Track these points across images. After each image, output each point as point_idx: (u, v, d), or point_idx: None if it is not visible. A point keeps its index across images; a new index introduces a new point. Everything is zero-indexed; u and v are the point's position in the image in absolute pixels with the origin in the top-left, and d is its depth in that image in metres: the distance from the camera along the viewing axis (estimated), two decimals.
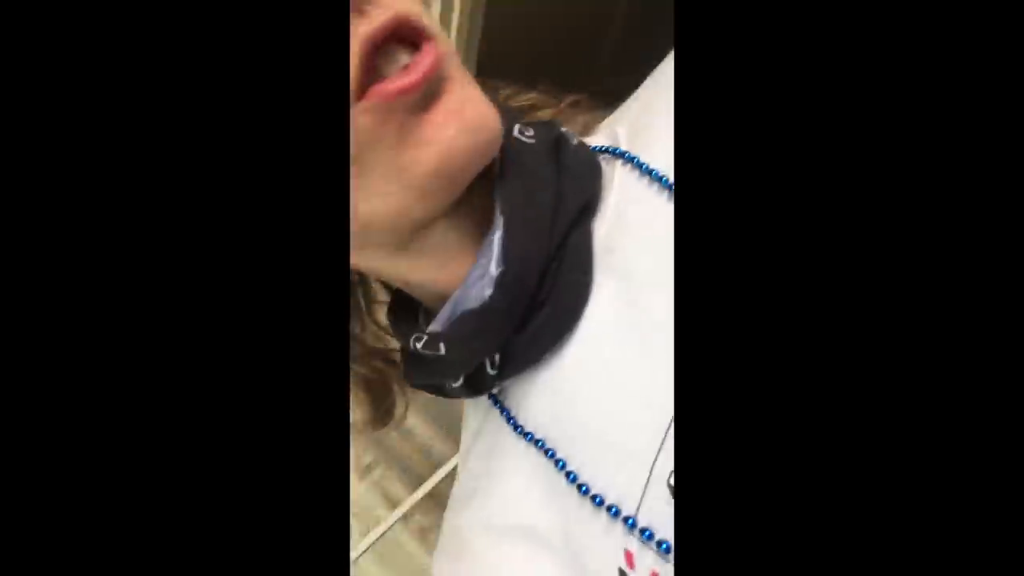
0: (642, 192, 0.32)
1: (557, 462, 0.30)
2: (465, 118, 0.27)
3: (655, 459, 0.27)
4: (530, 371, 0.33)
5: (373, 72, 0.26)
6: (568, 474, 0.30)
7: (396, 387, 0.42)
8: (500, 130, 0.29)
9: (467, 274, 0.31)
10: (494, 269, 0.30)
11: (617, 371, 0.30)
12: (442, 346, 0.31)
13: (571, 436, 0.30)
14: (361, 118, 0.26)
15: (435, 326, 0.32)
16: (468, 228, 0.32)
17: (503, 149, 0.31)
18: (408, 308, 0.37)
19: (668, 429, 0.27)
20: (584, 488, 0.29)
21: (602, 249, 0.32)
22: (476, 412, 0.37)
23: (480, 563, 0.33)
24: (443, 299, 0.33)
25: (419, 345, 0.32)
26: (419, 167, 0.27)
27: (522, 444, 0.32)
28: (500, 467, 0.33)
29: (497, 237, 0.30)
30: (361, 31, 0.25)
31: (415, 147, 0.27)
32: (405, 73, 0.26)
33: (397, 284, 0.36)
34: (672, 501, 0.26)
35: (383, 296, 0.42)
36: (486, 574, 0.32)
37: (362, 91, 0.26)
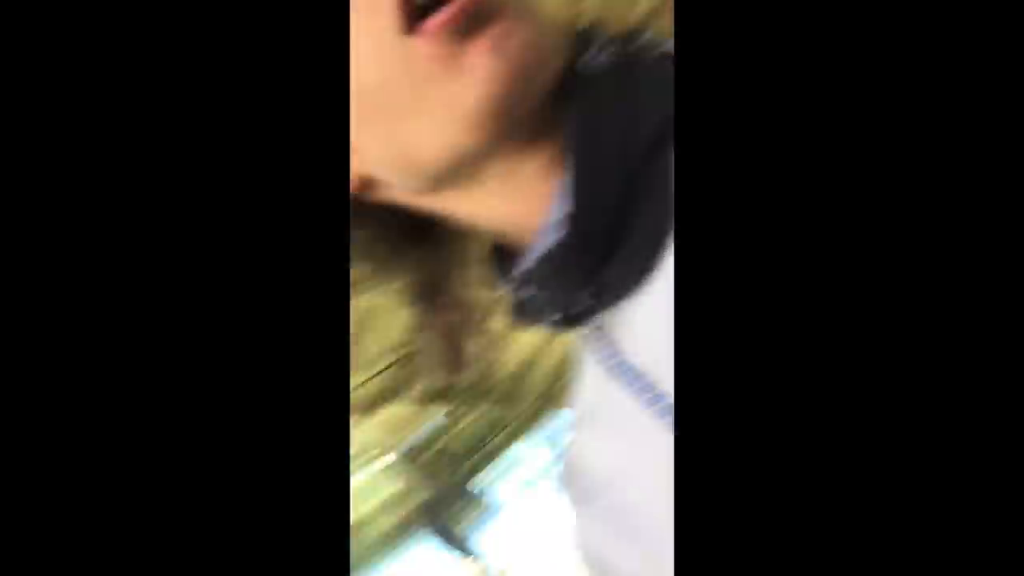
0: None
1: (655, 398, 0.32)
2: (507, 47, 0.28)
3: None
4: (628, 301, 0.33)
5: (412, 8, 0.28)
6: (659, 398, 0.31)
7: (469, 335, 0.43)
8: (547, 62, 0.30)
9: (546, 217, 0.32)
10: (566, 210, 0.31)
11: None
12: (533, 285, 0.33)
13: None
14: (408, 55, 0.28)
15: (526, 265, 0.34)
16: (539, 167, 0.32)
17: (570, 83, 0.31)
18: (506, 258, 0.37)
19: None
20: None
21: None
22: (588, 388, 0.39)
23: None
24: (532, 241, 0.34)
25: (513, 287, 0.35)
26: (463, 98, 0.28)
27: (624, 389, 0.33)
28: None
29: (567, 179, 0.31)
30: None
31: (459, 78, 0.28)
32: (445, 7, 0.27)
33: (487, 230, 0.37)
34: None
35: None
36: None
37: (409, 28, 0.28)
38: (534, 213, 0.33)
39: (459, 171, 0.32)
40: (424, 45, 0.28)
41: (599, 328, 0.36)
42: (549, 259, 0.32)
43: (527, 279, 0.34)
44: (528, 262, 0.33)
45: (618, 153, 0.31)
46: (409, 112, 0.30)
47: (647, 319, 0.32)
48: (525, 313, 0.36)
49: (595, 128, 0.31)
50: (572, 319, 0.35)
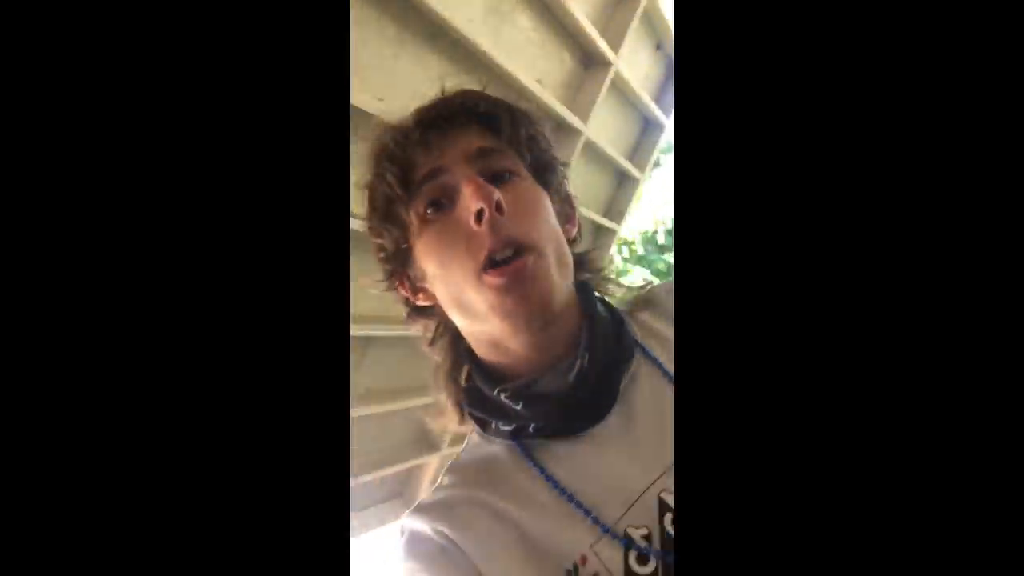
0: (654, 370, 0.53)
1: (578, 505, 0.47)
2: (530, 305, 0.46)
3: (622, 516, 0.46)
4: (560, 441, 0.50)
5: (486, 262, 0.46)
6: (585, 510, 0.47)
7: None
8: (553, 308, 0.48)
9: (555, 366, 0.50)
10: (577, 366, 0.49)
11: (618, 459, 0.49)
12: (522, 403, 0.49)
13: (590, 491, 0.49)
14: (479, 288, 0.47)
15: (520, 383, 0.50)
16: (551, 343, 0.50)
17: (588, 317, 0.52)
18: (487, 368, 0.55)
19: (638, 498, 0.46)
20: (589, 513, 0.47)
21: (623, 388, 0.52)
22: (486, 447, 0.54)
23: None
24: (519, 371, 0.51)
25: (504, 395, 0.50)
26: (489, 330, 0.49)
27: (548, 490, 0.49)
28: (506, 497, 0.50)
29: (581, 349, 0.50)
30: (484, 250, 0.46)
31: (499, 319, 0.47)
32: (500, 272, 0.46)
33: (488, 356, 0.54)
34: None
35: None
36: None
37: (477, 276, 0.46)
38: (531, 369, 0.51)
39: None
40: (481, 288, 0.47)
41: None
42: (549, 394, 0.49)
43: (523, 395, 0.49)
44: (524, 386, 0.50)
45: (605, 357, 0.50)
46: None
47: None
48: (490, 411, 0.52)
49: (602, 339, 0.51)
50: (515, 434, 0.51)
